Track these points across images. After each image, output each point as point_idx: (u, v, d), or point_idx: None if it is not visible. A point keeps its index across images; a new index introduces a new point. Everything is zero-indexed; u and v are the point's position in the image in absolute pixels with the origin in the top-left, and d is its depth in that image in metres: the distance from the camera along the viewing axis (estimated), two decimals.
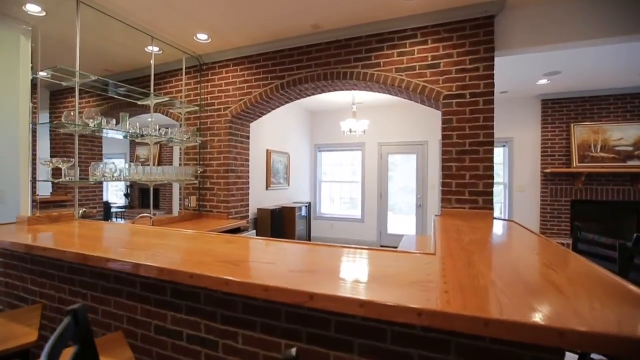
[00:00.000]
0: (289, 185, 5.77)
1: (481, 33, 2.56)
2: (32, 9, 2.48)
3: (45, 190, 4.72)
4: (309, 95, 3.53)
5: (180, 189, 3.66)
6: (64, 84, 2.41)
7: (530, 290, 0.95)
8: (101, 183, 4.49)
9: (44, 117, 4.67)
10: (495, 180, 5.88)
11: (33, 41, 2.08)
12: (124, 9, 2.61)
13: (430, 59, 2.70)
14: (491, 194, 2.54)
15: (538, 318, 0.75)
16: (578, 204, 5.00)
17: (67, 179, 2.33)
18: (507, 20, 2.58)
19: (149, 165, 4.37)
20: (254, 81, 3.39)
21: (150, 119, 3.08)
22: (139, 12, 2.68)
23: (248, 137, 3.88)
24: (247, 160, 3.88)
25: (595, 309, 0.81)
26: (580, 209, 4.98)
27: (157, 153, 7.37)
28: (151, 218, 2.62)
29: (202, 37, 3.12)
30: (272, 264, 1.26)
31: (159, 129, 2.98)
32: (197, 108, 3.55)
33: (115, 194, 9.26)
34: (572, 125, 4.91)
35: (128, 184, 8.09)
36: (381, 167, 6.26)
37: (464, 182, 2.61)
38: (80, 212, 2.80)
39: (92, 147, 4.73)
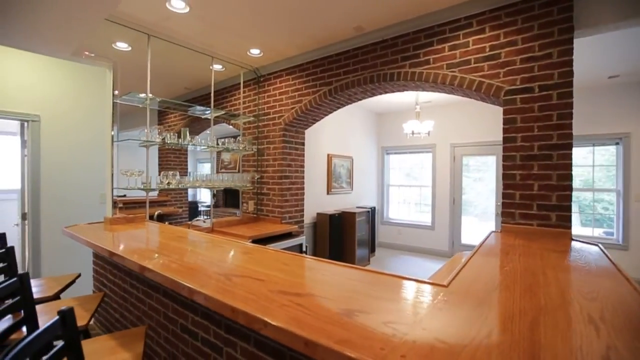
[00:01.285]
0: (352, 189, 5.71)
1: (554, 11, 2.09)
2: (121, 45, 3.02)
3: (153, 192, 5.67)
4: (359, 99, 3.42)
5: (241, 194, 3.97)
6: (140, 105, 2.87)
7: None
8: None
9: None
10: (605, 187, 4.78)
11: (114, 72, 2.52)
12: (186, 36, 2.96)
13: (487, 49, 2.33)
14: (568, 208, 2.05)
15: None
16: None
17: (142, 185, 2.76)
18: None
19: (231, 167, 4.76)
20: (304, 89, 3.45)
21: (209, 131, 3.42)
22: (199, 38, 3.00)
23: (303, 144, 3.97)
24: (302, 167, 3.97)
25: None
26: None
27: (237, 158, 8.14)
28: (204, 221, 2.91)
29: (255, 51, 3.32)
30: (261, 281, 1.25)
31: (217, 140, 3.28)
32: (252, 118, 3.80)
33: (207, 194, 10.60)
34: None
35: None
36: (454, 169, 5.68)
37: (531, 193, 2.17)
38: (156, 213, 3.28)
39: (179, 155, 5.48)
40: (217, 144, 3.27)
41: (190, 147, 3.64)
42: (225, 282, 1.24)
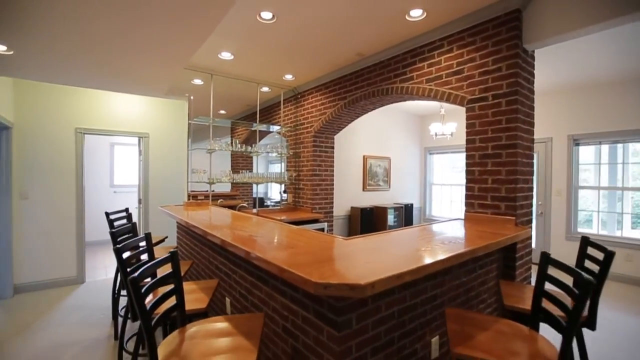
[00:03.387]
0: (389, 187, 6.21)
1: (503, 31, 2.45)
2: (197, 81, 4.28)
3: (226, 187, 7.16)
4: (370, 110, 4.05)
5: (281, 188, 4.94)
6: (206, 123, 4.05)
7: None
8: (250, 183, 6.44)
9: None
10: None
11: (189, 103, 3.73)
12: (237, 72, 4.04)
13: (455, 65, 2.77)
14: (514, 199, 2.39)
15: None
16: None
17: (206, 180, 3.92)
18: (535, 10, 2.36)
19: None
20: (327, 102, 4.23)
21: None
22: (246, 72, 4.04)
23: (332, 148, 4.74)
24: (331, 167, 4.75)
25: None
26: None
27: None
28: (246, 207, 3.93)
29: (288, 76, 4.24)
30: (247, 232, 2.12)
31: (255, 146, 4.30)
32: (289, 128, 4.74)
33: (276, 191, 12.07)
34: None
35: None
36: None
37: (486, 186, 2.56)
38: (219, 201, 4.46)
39: (246, 158, 6.80)
40: (259, 150, 4.29)
41: (248, 151, 4.74)
42: (229, 231, 2.14)
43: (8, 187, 3.59)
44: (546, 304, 1.41)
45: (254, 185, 8.78)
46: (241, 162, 6.82)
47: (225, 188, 7.04)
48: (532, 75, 2.58)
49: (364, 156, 5.77)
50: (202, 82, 4.32)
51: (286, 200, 5.02)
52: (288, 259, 1.41)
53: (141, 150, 4.62)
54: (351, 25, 2.84)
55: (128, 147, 6.70)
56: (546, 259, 1.45)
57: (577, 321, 1.08)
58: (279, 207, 4.78)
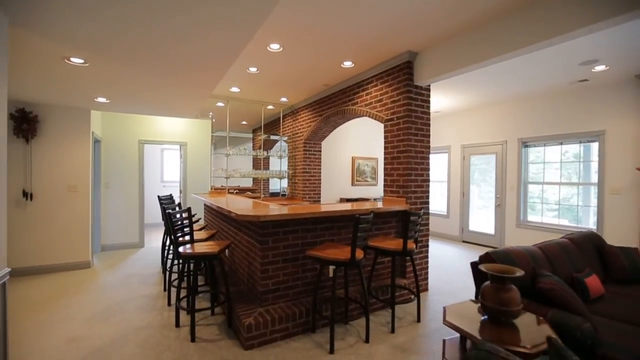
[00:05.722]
0: (377, 182, 7.42)
1: (401, 74, 3.68)
2: (219, 104, 5.91)
3: (248, 183, 8.83)
4: (341, 123, 5.38)
5: (281, 182, 6.42)
6: (224, 135, 5.64)
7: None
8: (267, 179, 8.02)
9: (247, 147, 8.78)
10: (583, 181, 5.19)
11: (212, 120, 5.34)
12: (246, 97, 5.59)
13: (378, 95, 4.03)
14: (407, 187, 3.61)
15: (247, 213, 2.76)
16: None
17: (226, 177, 5.51)
18: (419, 62, 3.56)
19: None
20: (312, 117, 5.63)
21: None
22: (253, 96, 5.58)
23: (319, 151, 6.12)
24: (318, 166, 6.12)
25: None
26: None
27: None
28: (251, 194, 5.45)
29: (283, 99, 5.71)
30: (244, 206, 3.60)
31: (260, 150, 5.82)
32: (286, 137, 6.21)
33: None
34: None
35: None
36: (464, 168, 6.67)
37: (393, 178, 3.79)
38: (234, 191, 6.05)
39: (263, 159, 8.38)
40: (264, 154, 5.80)
41: (254, 155, 6.28)
42: (230, 204, 3.64)
43: (99, 180, 5.47)
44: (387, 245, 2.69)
45: (269, 180, 10.15)
46: (260, 163, 8.41)
47: (247, 183, 8.73)
48: (427, 102, 3.76)
49: (352, 157, 7.06)
50: (223, 104, 5.94)
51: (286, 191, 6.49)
52: (232, 207, 2.84)
53: (181, 155, 6.37)
54: (310, 70, 4.22)
55: (173, 152, 8.63)
56: (356, 221, 2.73)
57: (354, 241, 2.38)
58: (280, 197, 6.26)
